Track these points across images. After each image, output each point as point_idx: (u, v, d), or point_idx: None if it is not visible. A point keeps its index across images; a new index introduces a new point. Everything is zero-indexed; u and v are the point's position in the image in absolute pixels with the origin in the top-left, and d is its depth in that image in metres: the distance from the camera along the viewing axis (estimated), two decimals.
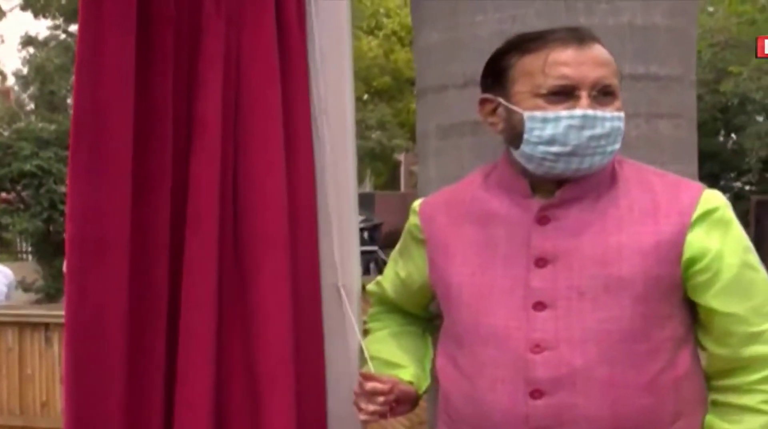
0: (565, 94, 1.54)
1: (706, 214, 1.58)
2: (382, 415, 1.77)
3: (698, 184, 1.65)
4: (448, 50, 2.10)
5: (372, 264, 14.67)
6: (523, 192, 1.64)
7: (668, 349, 1.58)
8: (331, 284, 2.01)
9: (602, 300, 1.55)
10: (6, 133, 15.49)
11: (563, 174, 1.58)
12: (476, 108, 1.69)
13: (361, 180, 23.70)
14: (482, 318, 1.63)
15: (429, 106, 2.20)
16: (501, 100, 1.62)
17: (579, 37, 1.56)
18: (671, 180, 1.66)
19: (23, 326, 5.64)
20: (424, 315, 1.97)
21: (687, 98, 2.11)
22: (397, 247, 1.92)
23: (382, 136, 21.21)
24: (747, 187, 19.74)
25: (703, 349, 1.66)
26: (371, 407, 1.76)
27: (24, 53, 23.00)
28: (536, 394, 1.56)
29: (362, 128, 20.53)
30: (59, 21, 21.28)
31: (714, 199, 1.61)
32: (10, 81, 24.42)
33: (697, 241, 1.57)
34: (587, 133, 1.52)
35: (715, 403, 1.65)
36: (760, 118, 18.50)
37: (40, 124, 15.85)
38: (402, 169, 27.29)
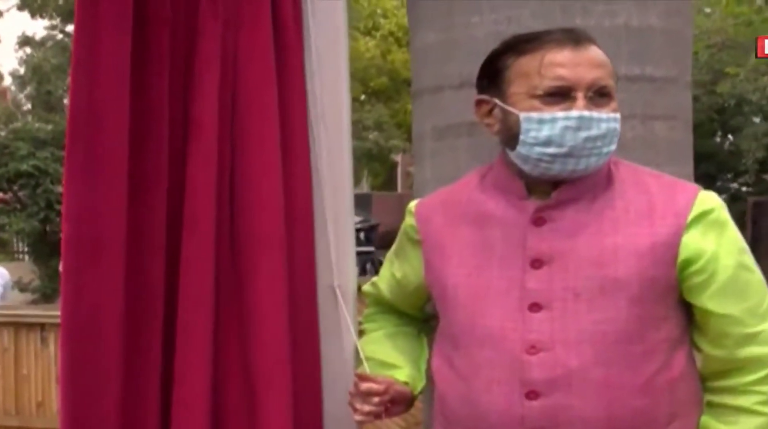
0: (561, 95, 1.54)
1: (702, 216, 1.58)
2: (377, 416, 1.77)
3: (694, 186, 1.65)
4: (443, 51, 2.10)
5: (369, 264, 14.70)
6: (519, 193, 1.64)
7: (663, 350, 1.58)
8: (327, 285, 2.01)
9: (598, 301, 1.55)
10: (3, 133, 15.46)
11: (559, 175, 1.58)
12: (472, 109, 1.69)
13: (358, 181, 23.74)
14: (478, 319, 1.63)
15: (425, 107, 2.20)
16: (497, 101, 1.62)
17: (575, 38, 1.57)
18: (667, 181, 1.66)
19: (19, 326, 5.65)
20: (420, 316, 1.97)
21: (682, 99, 2.11)
22: (393, 247, 1.91)
23: (379, 136, 21.23)
24: (744, 189, 19.75)
25: (699, 350, 1.66)
26: (366, 408, 1.76)
27: (21, 53, 23.00)
28: (532, 395, 1.56)
29: (359, 129, 20.53)
30: (56, 21, 21.26)
31: (709, 200, 1.61)
32: (7, 81, 24.43)
33: (692, 242, 1.57)
34: (583, 134, 1.52)
35: (711, 405, 1.65)
36: (756, 120, 18.51)
37: (37, 124, 15.85)
38: (399, 169, 27.30)
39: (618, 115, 1.57)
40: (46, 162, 13.78)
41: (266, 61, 1.91)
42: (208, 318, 1.85)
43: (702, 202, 1.60)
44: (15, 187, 14.22)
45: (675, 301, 1.61)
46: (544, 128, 1.53)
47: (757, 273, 1.63)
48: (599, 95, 1.55)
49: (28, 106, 22.91)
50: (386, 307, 1.98)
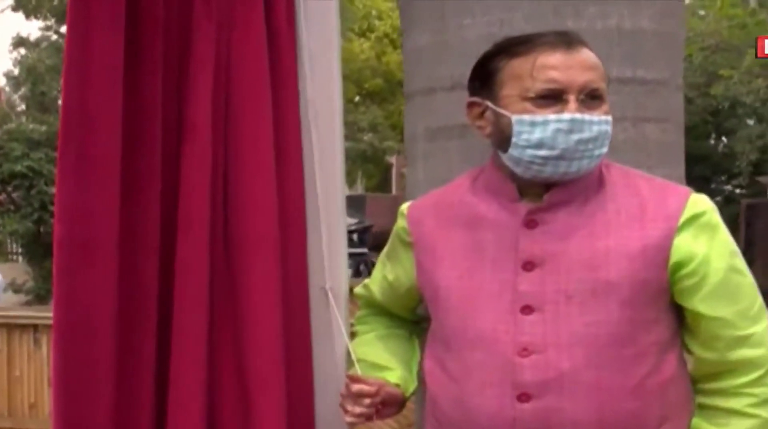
0: (553, 97, 1.54)
1: (693, 219, 1.59)
2: (369, 417, 1.77)
3: (685, 189, 1.65)
4: (436, 53, 2.10)
5: (362, 266, 14.69)
6: (511, 196, 1.64)
7: (654, 353, 1.58)
8: (319, 287, 2.01)
9: (589, 304, 1.56)
10: None
11: (551, 178, 1.58)
12: (464, 111, 1.69)
13: (352, 182, 23.74)
14: (470, 321, 1.63)
15: (417, 109, 2.20)
16: (489, 103, 1.62)
17: (567, 40, 1.57)
18: (658, 184, 1.66)
19: (11, 328, 5.64)
20: (412, 318, 1.97)
21: (674, 102, 2.11)
22: (385, 249, 1.91)
23: (373, 138, 21.23)
24: (737, 191, 19.82)
25: (690, 352, 1.66)
26: (357, 409, 1.75)
27: (15, 54, 23.01)
28: (524, 397, 1.56)
29: (354, 130, 20.53)
30: (51, 22, 21.24)
31: (701, 203, 1.61)
32: (1, 82, 24.37)
33: (684, 245, 1.57)
34: (575, 136, 1.52)
35: (702, 407, 1.65)
36: (750, 122, 18.59)
37: (31, 125, 15.82)
38: (393, 171, 27.29)
39: (610, 118, 1.57)
40: (40, 163, 13.75)
41: (260, 62, 1.91)
42: (202, 319, 1.85)
43: (693, 204, 1.60)
44: (9, 188, 14.19)
45: (666, 304, 1.61)
46: (536, 131, 1.54)
47: (748, 276, 1.63)
48: (591, 98, 1.55)
49: (23, 107, 22.89)
50: (378, 309, 1.98)
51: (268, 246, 1.88)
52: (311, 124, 2.00)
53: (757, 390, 1.59)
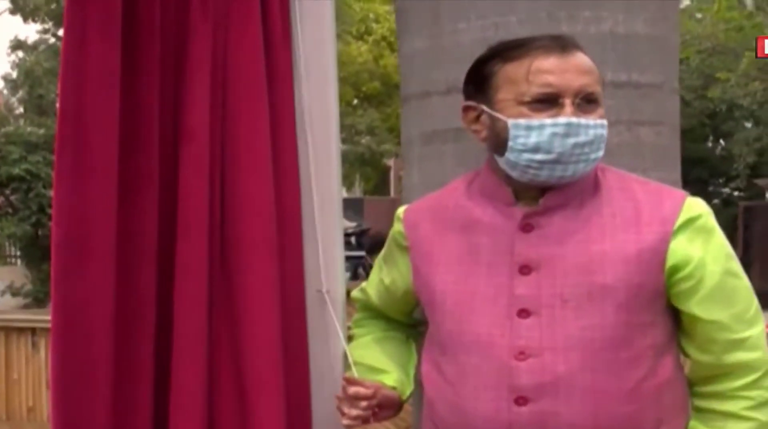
0: (548, 101, 1.54)
1: (689, 222, 1.59)
2: (365, 420, 1.77)
3: (681, 192, 1.65)
4: (431, 57, 2.10)
5: (360, 269, 14.69)
6: (507, 200, 1.64)
7: (650, 356, 1.58)
8: (316, 290, 2.01)
9: (585, 307, 1.56)
10: None
11: (547, 182, 1.58)
12: (459, 115, 1.69)
13: (350, 185, 23.73)
14: (465, 325, 1.63)
15: (413, 113, 2.20)
16: (484, 107, 1.62)
17: (562, 44, 1.57)
18: (653, 188, 1.66)
19: (9, 331, 5.64)
20: (408, 321, 1.98)
21: (669, 105, 2.11)
22: (382, 253, 1.92)
23: (371, 141, 21.23)
24: (735, 193, 19.82)
25: (686, 356, 1.67)
26: (354, 412, 1.76)
27: (13, 57, 22.97)
28: (521, 401, 1.56)
29: (352, 133, 20.54)
30: (48, 25, 21.24)
31: (696, 206, 1.61)
32: None
33: (680, 248, 1.57)
34: (571, 140, 1.53)
35: (699, 410, 1.66)
36: (748, 125, 18.60)
37: (29, 128, 15.80)
38: (392, 174, 27.29)
39: (605, 122, 1.57)
40: (38, 166, 13.73)
41: (256, 63, 1.91)
42: (202, 322, 1.85)
43: (689, 208, 1.60)
44: (7, 191, 14.17)
45: (662, 308, 1.61)
46: (533, 135, 1.53)
47: (744, 279, 1.63)
48: (586, 102, 1.55)
49: (20, 110, 22.85)
50: (375, 313, 1.98)
51: (264, 249, 1.88)
52: (307, 125, 2.00)
53: (753, 393, 1.60)
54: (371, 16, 21.04)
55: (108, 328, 1.76)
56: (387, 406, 1.82)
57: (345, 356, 1.94)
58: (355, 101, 21.44)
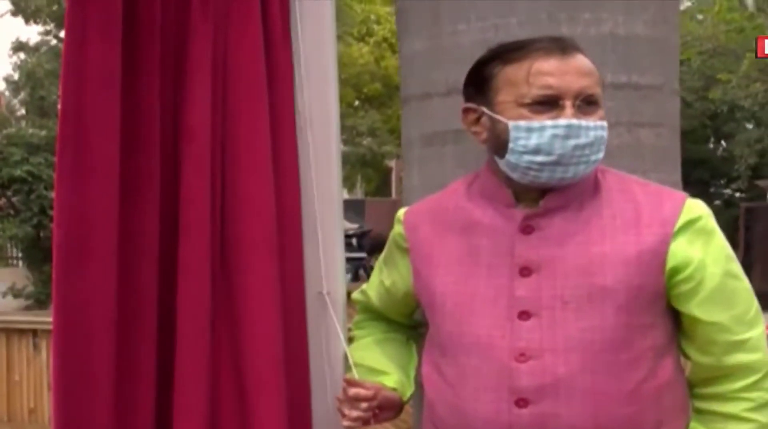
0: (549, 103, 1.54)
1: (689, 224, 1.59)
2: (366, 422, 1.77)
3: (681, 194, 1.66)
4: (431, 58, 2.10)
5: (361, 270, 14.69)
6: (507, 201, 1.64)
7: (650, 358, 1.58)
8: (317, 292, 2.01)
9: (585, 309, 1.56)
10: None
11: (547, 183, 1.58)
12: (459, 117, 1.69)
13: (352, 186, 23.73)
14: (466, 327, 1.63)
15: (413, 114, 2.20)
16: (484, 109, 1.62)
17: (562, 46, 1.57)
18: (654, 189, 1.66)
19: (11, 333, 5.65)
20: (409, 323, 1.98)
21: (669, 107, 2.11)
22: (382, 255, 1.92)
23: (372, 142, 21.25)
24: (737, 194, 19.83)
25: (687, 357, 1.67)
26: (354, 413, 1.76)
27: (15, 59, 23.01)
28: (521, 403, 1.56)
29: (353, 134, 20.55)
30: (50, 27, 21.29)
31: (696, 208, 1.61)
32: (1, 86, 24.38)
33: (680, 250, 1.57)
34: (572, 142, 1.53)
35: (699, 411, 1.66)
36: (749, 126, 18.61)
37: (31, 130, 15.84)
38: (393, 175, 27.29)
39: (605, 123, 1.57)
40: (40, 167, 13.74)
41: (256, 63, 1.90)
42: (205, 324, 1.84)
43: (689, 210, 1.60)
44: (8, 193, 14.18)
45: (662, 309, 1.62)
46: (533, 137, 1.53)
47: (744, 281, 1.63)
48: (587, 103, 1.55)
49: (22, 111, 22.89)
50: (375, 314, 1.98)
51: (265, 249, 1.88)
52: (307, 126, 2.00)
53: (753, 394, 1.60)
54: (372, 17, 21.05)
55: (109, 329, 1.75)
56: (387, 407, 1.82)
57: (345, 358, 1.94)
58: (357, 103, 21.45)
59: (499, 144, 1.59)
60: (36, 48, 22.33)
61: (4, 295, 13.81)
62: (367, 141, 21.28)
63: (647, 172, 1.89)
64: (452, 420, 1.66)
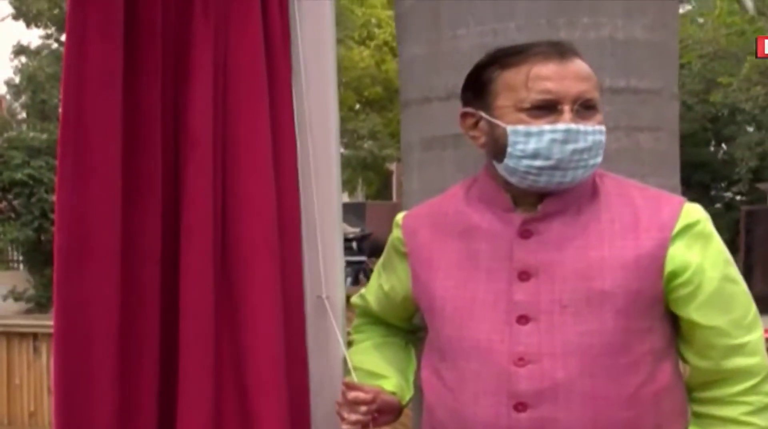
0: (547, 108, 1.54)
1: (687, 228, 1.59)
2: (365, 425, 1.77)
3: (679, 198, 1.66)
4: (430, 63, 2.11)
5: (361, 274, 14.67)
6: (505, 206, 1.64)
7: (649, 362, 1.58)
8: (316, 296, 2.01)
9: (584, 313, 1.56)
10: None
11: (546, 188, 1.58)
12: (458, 121, 1.69)
13: (352, 189, 23.73)
14: (465, 331, 1.63)
15: (412, 118, 2.20)
16: (483, 113, 1.62)
17: (560, 51, 1.57)
18: (652, 194, 1.67)
19: (11, 336, 5.65)
20: (408, 327, 1.98)
21: (668, 111, 2.11)
22: (381, 259, 1.92)
23: (373, 145, 21.26)
24: (737, 197, 19.82)
25: (685, 361, 1.67)
26: (354, 416, 1.76)
27: (16, 62, 22.99)
28: (520, 407, 1.56)
29: (354, 138, 20.57)
30: (51, 30, 21.29)
31: (694, 212, 1.61)
32: (2, 90, 24.37)
33: (678, 254, 1.57)
34: (570, 146, 1.53)
35: (697, 415, 1.66)
36: (750, 129, 18.62)
37: (32, 133, 15.84)
38: (394, 178, 27.29)
39: (603, 128, 1.57)
40: (41, 171, 13.77)
41: (256, 64, 1.90)
42: (209, 327, 1.84)
43: (687, 214, 1.60)
44: (9, 196, 14.20)
45: (660, 313, 1.62)
46: (532, 141, 1.54)
47: (742, 285, 1.63)
48: (585, 108, 1.55)
49: (23, 115, 22.87)
50: (374, 319, 1.98)
51: (265, 250, 1.88)
52: (307, 127, 1.99)
53: (752, 398, 1.60)
54: (373, 21, 21.08)
55: (111, 332, 1.75)
56: (386, 411, 1.82)
57: (344, 361, 1.94)
58: (357, 106, 21.47)
59: (497, 148, 1.59)
60: (37, 51, 22.32)
61: (5, 298, 13.83)
62: (368, 144, 21.29)
63: (646, 177, 1.89)
64: (452, 424, 1.66)
